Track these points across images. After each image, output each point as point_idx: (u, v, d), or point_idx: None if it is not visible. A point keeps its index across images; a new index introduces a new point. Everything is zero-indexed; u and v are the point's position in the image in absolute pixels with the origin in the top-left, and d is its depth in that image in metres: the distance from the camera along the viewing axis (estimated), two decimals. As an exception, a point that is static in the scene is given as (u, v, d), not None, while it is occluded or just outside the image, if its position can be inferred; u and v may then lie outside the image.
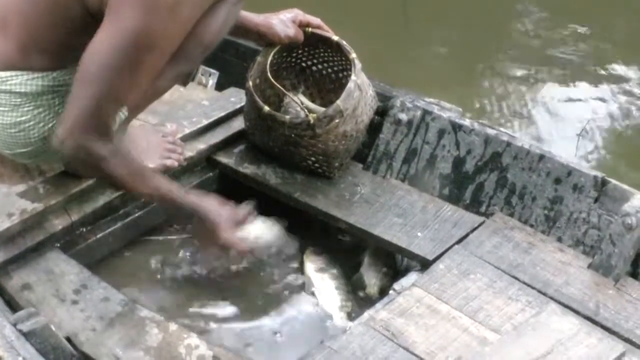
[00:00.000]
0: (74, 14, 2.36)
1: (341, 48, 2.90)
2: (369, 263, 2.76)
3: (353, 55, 2.85)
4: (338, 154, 2.85)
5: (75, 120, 2.33)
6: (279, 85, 2.90)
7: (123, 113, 2.52)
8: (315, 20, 2.93)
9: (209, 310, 2.63)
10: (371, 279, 2.72)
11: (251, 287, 2.71)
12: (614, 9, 4.86)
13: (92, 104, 2.32)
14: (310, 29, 2.92)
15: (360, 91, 2.80)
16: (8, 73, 2.40)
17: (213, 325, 2.58)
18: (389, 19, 4.54)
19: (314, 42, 2.97)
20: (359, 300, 2.69)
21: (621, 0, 4.92)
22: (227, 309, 2.64)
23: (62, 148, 2.38)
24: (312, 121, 2.73)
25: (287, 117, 2.79)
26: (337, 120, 2.75)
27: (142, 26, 2.24)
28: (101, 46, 2.28)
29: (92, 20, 2.36)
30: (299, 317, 2.63)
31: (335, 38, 2.92)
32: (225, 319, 2.60)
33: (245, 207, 2.64)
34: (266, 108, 2.78)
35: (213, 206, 2.55)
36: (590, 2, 4.86)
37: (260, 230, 2.72)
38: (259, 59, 2.90)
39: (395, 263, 2.79)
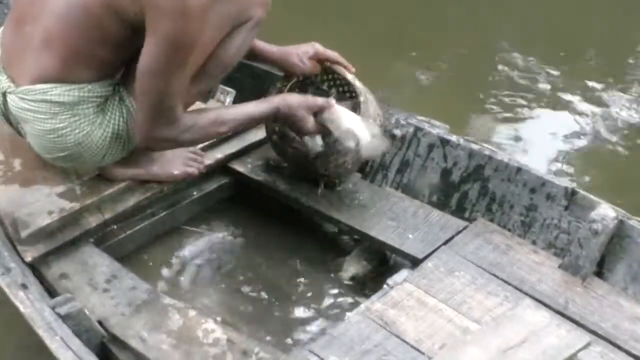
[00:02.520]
0: (110, 31, 2.37)
1: (353, 87, 2.78)
2: (357, 254, 2.77)
3: (361, 98, 2.71)
4: (341, 174, 2.85)
5: (143, 127, 2.42)
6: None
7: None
8: (333, 54, 2.79)
9: (223, 298, 2.64)
10: (349, 266, 2.73)
11: (264, 277, 2.74)
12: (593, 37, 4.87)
13: (152, 108, 2.38)
14: (328, 64, 2.81)
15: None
16: (49, 85, 2.41)
17: (227, 312, 2.59)
18: (387, 44, 4.55)
19: (331, 71, 2.86)
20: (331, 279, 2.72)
21: (600, 29, 4.92)
22: (242, 297, 2.66)
23: (145, 147, 2.52)
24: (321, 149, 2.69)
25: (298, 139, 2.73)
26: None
27: (178, 31, 2.24)
28: (149, 57, 2.30)
29: (126, 36, 2.38)
30: (303, 309, 2.65)
31: (350, 77, 2.78)
32: (238, 308, 2.62)
33: (324, 99, 2.61)
34: (277, 127, 2.77)
35: (287, 102, 2.58)
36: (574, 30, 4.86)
37: (352, 124, 2.60)
38: (278, 85, 2.85)
39: (387, 261, 2.78)
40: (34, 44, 2.42)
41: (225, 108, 2.71)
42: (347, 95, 2.85)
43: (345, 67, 2.81)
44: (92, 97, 2.45)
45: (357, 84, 2.77)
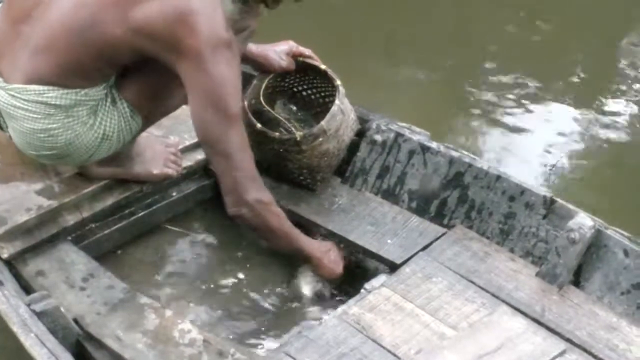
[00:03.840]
0: (120, 55, 2.39)
1: (328, 75, 2.91)
2: (303, 270, 2.71)
3: (338, 82, 2.85)
4: (321, 169, 2.85)
5: (237, 188, 2.46)
6: (269, 108, 2.90)
7: (138, 123, 2.54)
8: (306, 51, 2.95)
9: (200, 299, 2.63)
10: (304, 284, 2.69)
11: (242, 279, 2.73)
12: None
13: (238, 166, 2.44)
14: (302, 59, 2.93)
15: (343, 114, 2.80)
16: (45, 87, 2.39)
17: (204, 313, 2.58)
18: (374, 52, 4.56)
19: (305, 69, 2.97)
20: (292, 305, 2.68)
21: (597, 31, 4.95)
22: (220, 299, 2.65)
23: (242, 218, 2.52)
24: (298, 138, 2.74)
25: (277, 134, 2.80)
26: (321, 139, 2.76)
27: (220, 82, 2.34)
28: (203, 117, 2.39)
29: (134, 60, 2.41)
30: (280, 311, 2.64)
31: (323, 67, 2.92)
32: (214, 309, 2.61)
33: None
34: (258, 125, 2.78)
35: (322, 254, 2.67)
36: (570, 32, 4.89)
37: None
38: (255, 82, 2.91)
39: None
40: (31, 44, 2.40)
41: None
42: (322, 89, 3.01)
43: (316, 61, 2.96)
44: (87, 100, 2.44)
45: (330, 72, 2.90)
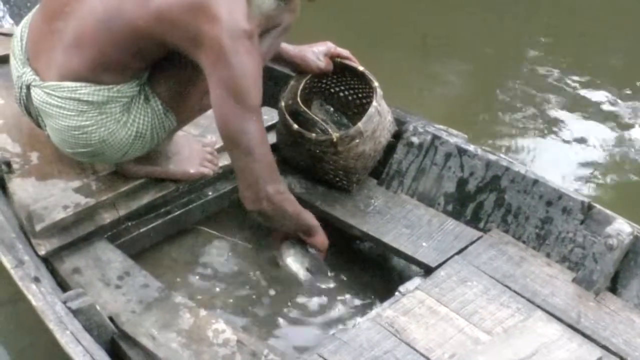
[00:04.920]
0: (145, 48, 2.40)
1: (365, 77, 2.91)
2: (283, 252, 2.69)
3: (375, 84, 2.86)
4: (356, 170, 2.85)
5: (258, 182, 2.42)
6: (306, 109, 2.91)
7: (172, 121, 2.55)
8: (344, 52, 2.95)
9: (235, 299, 2.65)
10: (293, 269, 2.67)
11: (277, 280, 2.73)
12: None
13: (258, 159, 2.40)
14: (339, 60, 2.94)
15: (380, 116, 2.81)
16: (78, 84, 2.42)
17: (238, 313, 2.60)
18: (409, 51, 4.55)
19: (342, 70, 2.98)
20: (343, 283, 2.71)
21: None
22: (254, 299, 2.66)
23: (262, 212, 2.49)
24: (335, 139, 2.75)
25: (313, 135, 2.80)
26: (357, 140, 2.76)
27: (240, 72, 2.30)
28: (225, 109, 2.35)
29: (159, 53, 2.43)
30: (314, 312, 2.65)
31: (361, 68, 2.93)
32: (248, 309, 2.62)
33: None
34: (295, 126, 2.79)
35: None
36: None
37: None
38: (292, 83, 2.92)
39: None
40: (65, 40, 2.43)
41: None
42: (359, 90, 3.01)
43: (354, 62, 2.96)
44: (119, 97, 2.46)
45: (368, 73, 2.91)
